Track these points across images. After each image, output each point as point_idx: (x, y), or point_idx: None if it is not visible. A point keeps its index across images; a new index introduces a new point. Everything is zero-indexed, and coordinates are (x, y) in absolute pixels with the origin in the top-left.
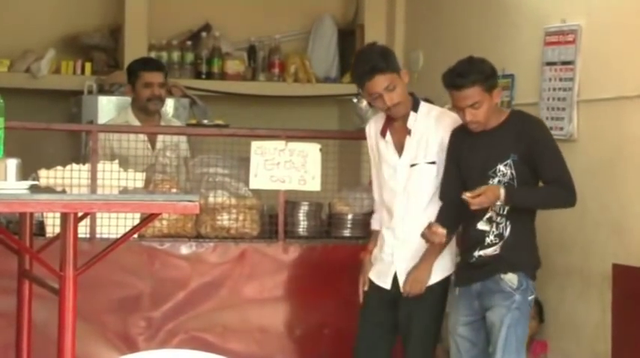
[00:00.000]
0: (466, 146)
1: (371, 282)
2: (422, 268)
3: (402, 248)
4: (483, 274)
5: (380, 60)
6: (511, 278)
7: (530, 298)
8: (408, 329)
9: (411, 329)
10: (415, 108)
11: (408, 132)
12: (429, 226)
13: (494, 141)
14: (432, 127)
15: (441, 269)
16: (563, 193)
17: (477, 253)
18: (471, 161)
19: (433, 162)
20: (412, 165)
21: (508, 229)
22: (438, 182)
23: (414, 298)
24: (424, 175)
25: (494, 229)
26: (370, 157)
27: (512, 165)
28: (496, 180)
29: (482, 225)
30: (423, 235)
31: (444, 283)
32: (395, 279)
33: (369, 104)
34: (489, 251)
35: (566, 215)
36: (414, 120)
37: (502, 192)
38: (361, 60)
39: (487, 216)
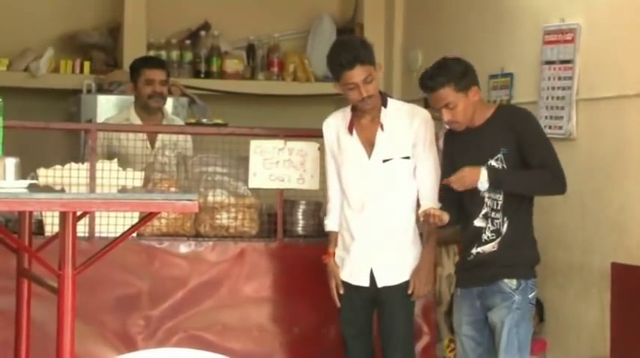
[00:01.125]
0: (458, 145)
1: (344, 283)
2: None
3: (378, 246)
4: (484, 281)
5: (362, 50)
6: (510, 279)
7: (530, 295)
8: (391, 326)
9: (396, 326)
10: (384, 103)
11: (381, 126)
12: (427, 210)
13: (483, 137)
14: (404, 122)
15: (416, 263)
16: (551, 178)
17: (474, 250)
18: (463, 159)
19: (407, 157)
20: (385, 161)
21: (505, 225)
22: (412, 177)
23: (393, 293)
24: (398, 170)
25: (490, 225)
26: (327, 155)
27: (503, 159)
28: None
29: (478, 222)
30: (422, 216)
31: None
32: (372, 276)
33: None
34: (487, 248)
35: (566, 213)
36: (384, 116)
37: (484, 173)
38: (342, 49)
39: (483, 212)
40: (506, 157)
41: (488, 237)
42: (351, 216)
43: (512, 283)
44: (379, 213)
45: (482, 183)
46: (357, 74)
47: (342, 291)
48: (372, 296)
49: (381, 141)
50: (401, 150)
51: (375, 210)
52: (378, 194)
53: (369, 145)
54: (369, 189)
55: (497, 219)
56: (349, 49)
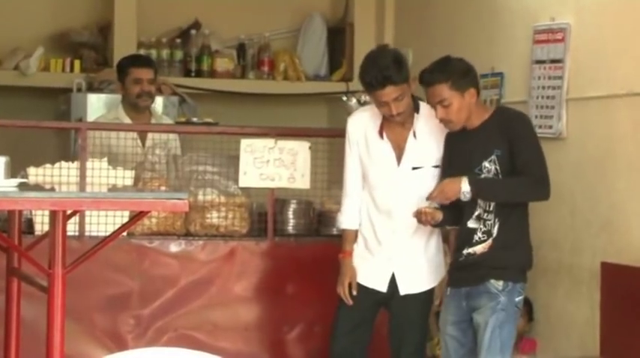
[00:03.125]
0: (455, 146)
1: (358, 284)
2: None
3: (403, 252)
4: (472, 281)
5: (394, 70)
6: (497, 280)
7: (517, 299)
8: (406, 333)
9: (412, 334)
10: (417, 109)
11: (413, 133)
12: (419, 208)
13: (478, 138)
14: (437, 130)
15: (439, 273)
16: (533, 184)
17: (465, 251)
18: (459, 160)
19: (438, 166)
20: (414, 168)
21: (496, 227)
22: None
23: (411, 301)
24: (427, 179)
25: (482, 226)
26: (349, 151)
27: (495, 161)
28: (482, 177)
29: (471, 223)
30: (414, 215)
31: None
32: (392, 281)
33: (358, 102)
34: (478, 248)
35: (556, 213)
36: (416, 122)
37: (464, 184)
38: (374, 66)
39: (476, 213)
40: (499, 159)
41: (479, 238)
42: (377, 218)
43: (499, 284)
44: (406, 220)
45: (465, 193)
46: (388, 94)
47: (355, 292)
48: (384, 301)
49: (411, 148)
50: (432, 158)
51: (401, 216)
52: (405, 201)
53: (398, 150)
54: (396, 195)
55: (489, 220)
56: (381, 69)
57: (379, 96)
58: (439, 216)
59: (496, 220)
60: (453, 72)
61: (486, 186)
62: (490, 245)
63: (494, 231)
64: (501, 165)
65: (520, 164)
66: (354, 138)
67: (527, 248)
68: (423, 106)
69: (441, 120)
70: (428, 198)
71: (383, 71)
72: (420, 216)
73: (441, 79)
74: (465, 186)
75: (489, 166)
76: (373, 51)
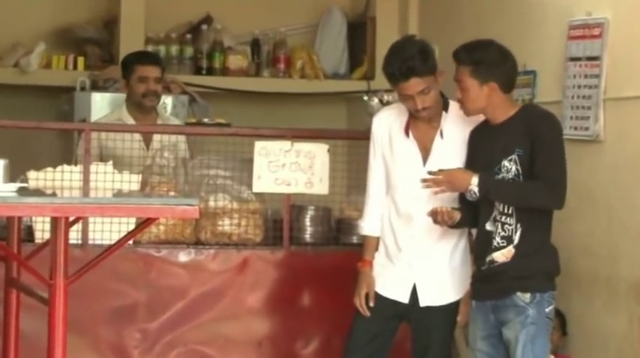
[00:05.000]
0: (478, 143)
1: (375, 294)
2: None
3: (425, 261)
4: (497, 294)
5: (419, 61)
6: (523, 293)
7: (548, 309)
8: (425, 347)
9: (430, 347)
10: (446, 107)
11: (440, 133)
12: (435, 208)
13: (500, 135)
14: (466, 130)
15: (464, 285)
16: (544, 190)
17: (488, 258)
18: (478, 157)
19: None
20: (441, 170)
21: (518, 233)
22: None
23: (433, 314)
24: None
25: (500, 230)
26: (373, 153)
27: (516, 161)
28: (500, 176)
29: (489, 226)
30: (429, 215)
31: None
32: (414, 292)
33: (380, 102)
34: (499, 256)
35: (591, 219)
36: (444, 121)
37: (474, 180)
38: (398, 57)
39: (492, 215)
40: (520, 159)
41: (498, 243)
42: (398, 224)
43: (526, 297)
44: (429, 225)
45: (471, 192)
46: (413, 86)
47: (372, 304)
48: (405, 313)
49: (438, 149)
50: (459, 160)
51: (424, 221)
52: (428, 205)
53: (424, 151)
54: (419, 197)
55: (509, 224)
56: (405, 59)
57: (403, 89)
58: (456, 215)
59: (518, 226)
60: (480, 60)
61: (494, 188)
62: (512, 253)
63: (516, 238)
64: (522, 166)
65: (537, 167)
66: (379, 137)
67: (551, 251)
68: (453, 105)
69: (457, 101)
70: (429, 173)
71: (407, 62)
72: (435, 215)
73: (465, 62)
74: (473, 183)
75: (509, 166)
76: (398, 41)
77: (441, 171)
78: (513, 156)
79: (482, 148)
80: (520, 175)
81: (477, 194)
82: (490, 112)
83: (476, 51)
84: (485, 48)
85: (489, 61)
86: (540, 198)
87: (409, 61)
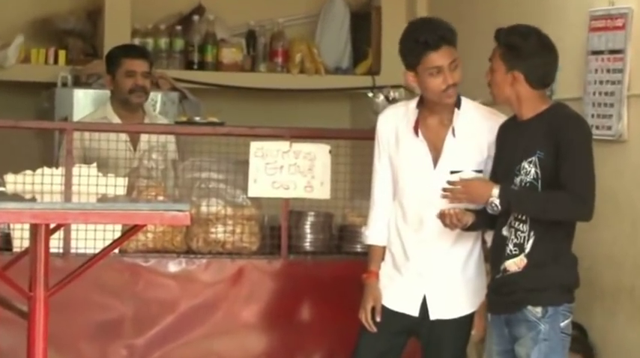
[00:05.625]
0: (504, 139)
1: (383, 308)
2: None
3: (436, 271)
4: (509, 307)
5: (448, 31)
6: (534, 307)
7: (563, 324)
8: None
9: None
10: (458, 104)
11: (452, 131)
12: (443, 210)
13: (523, 134)
14: (480, 129)
15: (479, 296)
16: (571, 202)
17: (502, 266)
18: (500, 156)
19: (480, 171)
20: (453, 172)
21: (530, 241)
22: None
23: (444, 328)
24: None
25: (513, 237)
26: (378, 154)
27: (537, 163)
28: (518, 179)
29: (505, 231)
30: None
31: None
32: (424, 305)
33: (386, 98)
34: (511, 265)
35: (615, 226)
36: (457, 118)
37: (495, 191)
38: (425, 27)
39: (509, 219)
40: (541, 162)
41: (510, 251)
42: (406, 231)
43: (537, 311)
44: (440, 232)
45: (493, 205)
46: (443, 56)
47: (379, 319)
48: (415, 327)
49: (450, 149)
50: (473, 161)
51: (435, 227)
52: (439, 209)
53: (435, 152)
54: (429, 202)
55: (522, 231)
56: (434, 28)
57: (432, 60)
58: (468, 218)
59: (531, 233)
60: (513, 45)
61: (516, 201)
62: (524, 263)
63: (527, 247)
64: (542, 170)
65: (563, 175)
66: (385, 137)
67: (570, 262)
68: (465, 102)
69: (488, 84)
70: (448, 182)
71: (437, 30)
72: (444, 218)
73: (499, 42)
74: (494, 195)
75: (528, 168)
76: (417, 18)
77: (460, 180)
78: (534, 159)
79: (507, 144)
80: (539, 179)
81: (499, 207)
82: (516, 105)
83: (512, 35)
84: (524, 35)
85: (521, 49)
86: (567, 210)
87: (439, 29)
